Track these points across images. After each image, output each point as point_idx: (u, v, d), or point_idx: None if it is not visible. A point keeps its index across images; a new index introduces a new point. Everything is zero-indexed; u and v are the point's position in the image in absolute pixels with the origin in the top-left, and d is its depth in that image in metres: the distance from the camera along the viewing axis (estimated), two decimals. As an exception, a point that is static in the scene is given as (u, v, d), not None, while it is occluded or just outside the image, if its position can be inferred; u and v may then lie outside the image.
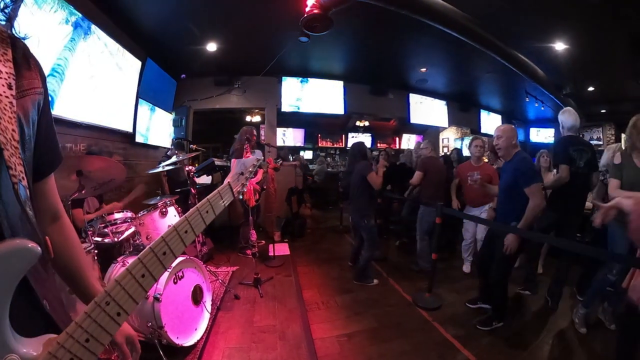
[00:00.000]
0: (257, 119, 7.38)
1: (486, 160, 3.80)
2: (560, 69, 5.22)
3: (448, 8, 3.38)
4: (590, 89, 6.64)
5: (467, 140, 7.19)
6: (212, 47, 4.54)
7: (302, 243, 4.93)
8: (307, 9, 3.23)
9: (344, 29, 4.04)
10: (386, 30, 4.31)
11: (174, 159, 2.82)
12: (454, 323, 2.59)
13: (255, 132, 3.80)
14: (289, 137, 9.03)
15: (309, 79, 6.22)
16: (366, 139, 10.35)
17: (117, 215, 2.24)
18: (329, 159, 10.28)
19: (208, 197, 0.62)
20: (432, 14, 3.35)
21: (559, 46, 4.44)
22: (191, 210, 0.57)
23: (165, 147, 5.04)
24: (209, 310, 2.25)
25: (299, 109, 6.30)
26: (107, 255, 2.18)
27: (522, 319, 2.67)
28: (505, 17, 3.81)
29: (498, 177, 3.19)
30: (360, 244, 3.57)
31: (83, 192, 1.71)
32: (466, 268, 3.72)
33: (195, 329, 2.08)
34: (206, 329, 2.18)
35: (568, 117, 2.83)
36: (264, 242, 4.55)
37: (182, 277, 2.10)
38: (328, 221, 6.62)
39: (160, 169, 2.79)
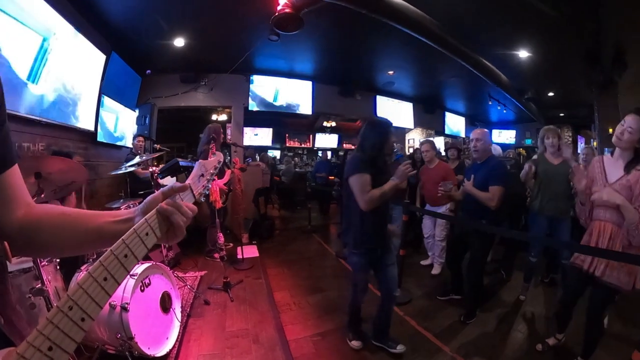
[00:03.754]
0: (223, 117, 7.16)
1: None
2: (522, 75, 5.60)
3: (418, 14, 3.47)
4: (550, 94, 7.23)
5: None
6: (179, 42, 4.34)
7: (270, 244, 4.89)
8: (279, 8, 3.20)
9: (314, 30, 4.04)
10: (356, 32, 4.36)
11: (137, 159, 2.66)
12: (425, 316, 2.71)
13: (222, 130, 3.68)
14: (262, 136, 8.87)
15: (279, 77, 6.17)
16: (333, 140, 10.49)
17: (79, 221, 2.05)
18: (296, 158, 10.29)
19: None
20: (402, 19, 3.42)
21: (523, 54, 4.76)
22: (150, 213, 0.56)
23: (128, 147, 4.73)
24: (179, 317, 2.16)
25: (273, 107, 6.24)
26: (70, 264, 2.00)
27: (490, 309, 2.85)
28: (472, 25, 4.03)
29: (454, 175, 3.41)
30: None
31: (42, 195, 1.56)
32: (436, 270, 3.72)
33: (167, 338, 1.98)
34: (178, 337, 2.09)
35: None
36: (232, 244, 4.44)
37: (149, 284, 2.00)
38: (296, 221, 6.62)
39: (123, 170, 2.61)
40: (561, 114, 8.55)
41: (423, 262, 3.99)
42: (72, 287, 1.89)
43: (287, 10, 3.20)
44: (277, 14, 3.22)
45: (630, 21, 3.62)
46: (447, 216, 3.47)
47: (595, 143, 5.69)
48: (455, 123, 9.63)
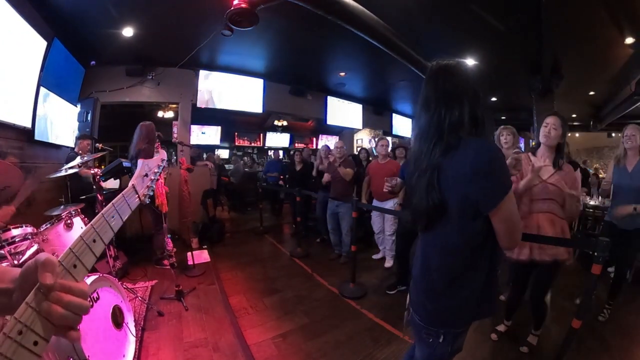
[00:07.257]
0: (169, 114, 6.65)
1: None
2: (469, 81, 6.12)
3: (373, 18, 3.59)
4: (494, 99, 7.96)
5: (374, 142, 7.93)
6: (128, 32, 3.95)
7: (222, 248, 4.74)
8: (235, 3, 3.13)
9: (268, 27, 4.00)
10: (310, 33, 4.37)
11: (77, 160, 2.38)
12: (381, 307, 2.84)
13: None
14: (210, 135, 8.43)
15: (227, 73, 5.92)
16: (284, 139, 10.41)
17: (15, 232, 1.77)
18: (246, 158, 10.01)
19: (113, 201, 0.58)
20: (356, 22, 3.51)
21: (470, 62, 5.11)
22: (97, 217, 0.52)
23: (68, 147, 4.18)
24: (134, 332, 2.01)
25: (223, 104, 5.97)
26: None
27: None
28: (423, 32, 4.27)
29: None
30: None
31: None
32: (388, 263, 3.91)
33: (123, 356, 1.83)
34: (135, 354, 1.94)
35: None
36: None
37: (97, 298, 1.82)
38: (248, 223, 6.48)
39: (63, 173, 2.32)
40: (503, 117, 9.35)
41: (375, 257, 4.22)
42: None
43: (243, 5, 3.14)
44: (232, 8, 3.14)
45: (565, 38, 4.17)
46: (394, 211, 3.64)
47: (533, 143, 6.28)
48: (402, 124, 10.19)
